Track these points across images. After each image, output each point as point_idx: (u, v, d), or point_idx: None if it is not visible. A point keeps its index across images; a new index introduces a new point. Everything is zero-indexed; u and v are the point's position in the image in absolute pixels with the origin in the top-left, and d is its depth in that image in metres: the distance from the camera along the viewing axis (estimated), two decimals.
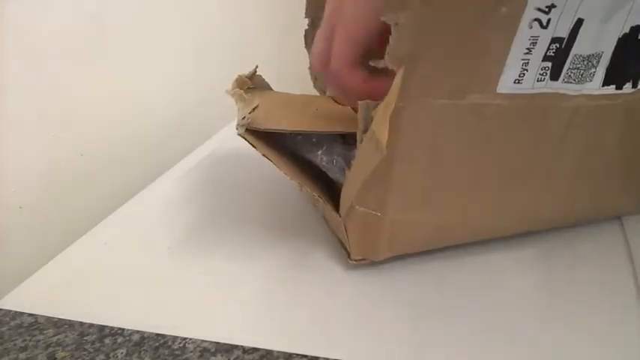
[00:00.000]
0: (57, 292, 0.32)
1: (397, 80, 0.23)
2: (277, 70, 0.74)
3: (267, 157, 0.30)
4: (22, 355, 0.27)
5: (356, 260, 0.30)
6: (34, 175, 0.43)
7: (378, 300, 0.29)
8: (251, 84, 0.36)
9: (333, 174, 0.31)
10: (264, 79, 0.39)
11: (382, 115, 0.23)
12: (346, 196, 0.29)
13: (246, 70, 0.36)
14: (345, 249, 0.31)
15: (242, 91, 0.34)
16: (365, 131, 0.25)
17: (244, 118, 0.30)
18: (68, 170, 0.46)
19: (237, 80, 0.36)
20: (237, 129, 0.30)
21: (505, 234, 0.32)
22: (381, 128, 0.23)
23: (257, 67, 0.37)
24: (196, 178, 0.46)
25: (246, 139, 0.30)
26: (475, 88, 0.24)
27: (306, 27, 0.39)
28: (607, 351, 0.25)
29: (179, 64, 0.60)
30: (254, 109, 0.30)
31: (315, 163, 0.32)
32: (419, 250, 0.31)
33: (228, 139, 0.54)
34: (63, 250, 0.36)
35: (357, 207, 0.28)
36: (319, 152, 0.32)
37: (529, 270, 0.30)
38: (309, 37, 0.39)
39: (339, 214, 0.30)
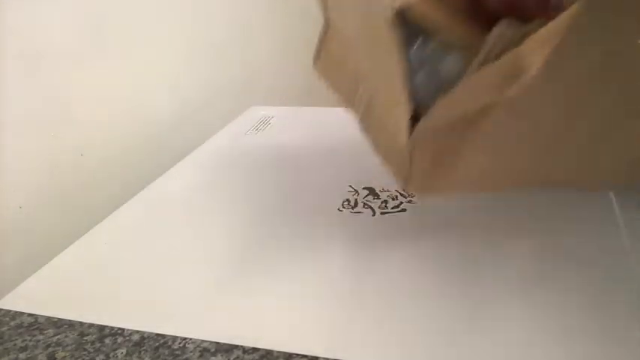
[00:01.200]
0: (57, 292, 0.32)
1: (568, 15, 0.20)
2: (278, 70, 0.74)
3: None
4: (22, 355, 0.27)
5: (409, 194, 0.27)
6: (34, 175, 0.43)
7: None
8: None
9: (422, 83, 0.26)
10: None
11: (543, 41, 0.20)
12: (433, 118, 0.25)
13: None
14: (400, 176, 0.27)
15: None
16: (487, 60, 0.21)
17: None
18: (68, 170, 0.46)
19: None
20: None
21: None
22: (534, 55, 0.20)
23: None
24: (196, 178, 0.45)
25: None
26: None
27: None
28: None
29: (179, 64, 0.60)
30: None
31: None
32: (477, 192, 0.28)
33: (229, 139, 0.53)
34: (63, 250, 0.36)
35: (439, 133, 0.25)
36: (414, 47, 0.26)
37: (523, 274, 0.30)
38: None
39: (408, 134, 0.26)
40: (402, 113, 0.26)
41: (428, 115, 0.25)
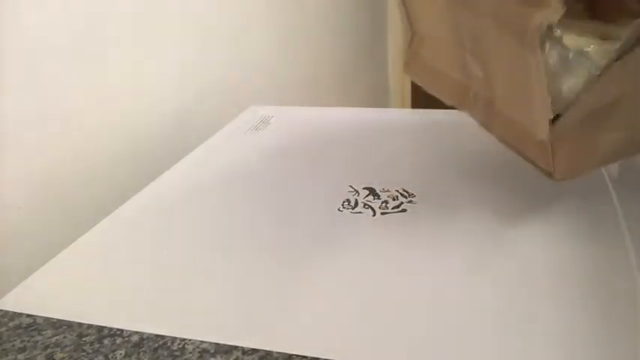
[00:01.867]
0: (56, 292, 0.32)
1: None
2: (278, 70, 0.74)
3: None
4: (20, 357, 0.27)
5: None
6: (33, 175, 0.43)
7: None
8: None
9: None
10: None
11: None
12: (573, 113, 0.27)
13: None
14: (543, 166, 0.30)
15: None
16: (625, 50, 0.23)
17: None
18: (68, 170, 0.46)
19: None
20: None
21: None
22: None
23: None
24: (196, 178, 0.45)
25: None
26: None
27: None
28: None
29: (179, 64, 0.60)
30: None
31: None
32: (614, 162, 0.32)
33: (229, 139, 0.53)
34: (62, 251, 0.36)
35: (578, 124, 0.27)
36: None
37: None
38: None
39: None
40: (542, 112, 0.28)
41: (568, 112, 0.27)
